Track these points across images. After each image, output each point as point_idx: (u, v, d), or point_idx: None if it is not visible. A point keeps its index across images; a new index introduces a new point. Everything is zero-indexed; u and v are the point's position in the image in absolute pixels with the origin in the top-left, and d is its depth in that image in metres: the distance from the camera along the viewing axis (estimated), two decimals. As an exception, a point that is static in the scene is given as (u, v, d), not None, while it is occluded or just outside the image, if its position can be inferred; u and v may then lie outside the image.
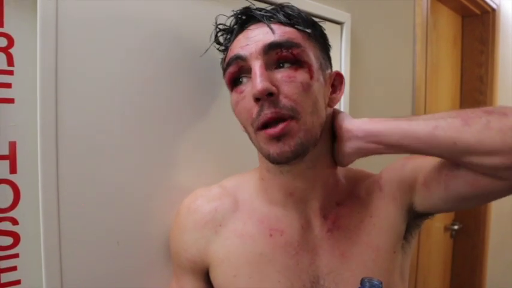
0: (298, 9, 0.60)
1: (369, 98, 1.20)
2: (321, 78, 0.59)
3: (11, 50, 0.54)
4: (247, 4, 0.60)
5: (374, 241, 0.62)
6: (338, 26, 1.04)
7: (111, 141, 0.62)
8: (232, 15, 0.61)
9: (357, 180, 0.67)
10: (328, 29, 1.01)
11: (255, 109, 0.54)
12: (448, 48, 1.96)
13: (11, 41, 0.53)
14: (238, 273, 0.60)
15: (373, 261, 0.61)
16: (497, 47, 2.04)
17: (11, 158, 0.54)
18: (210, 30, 0.65)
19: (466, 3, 1.89)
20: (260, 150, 0.57)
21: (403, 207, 0.63)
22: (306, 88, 0.55)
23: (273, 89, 0.52)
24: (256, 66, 0.53)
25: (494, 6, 2.01)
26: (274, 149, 0.54)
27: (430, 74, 1.61)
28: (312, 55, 0.57)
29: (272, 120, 0.53)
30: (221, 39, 0.63)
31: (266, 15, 0.57)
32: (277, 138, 0.53)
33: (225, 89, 0.62)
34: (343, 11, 1.05)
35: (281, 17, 0.57)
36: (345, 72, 1.06)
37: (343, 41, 1.05)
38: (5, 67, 0.53)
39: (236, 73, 0.57)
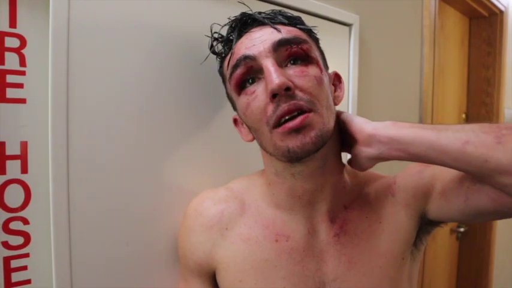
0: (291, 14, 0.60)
1: (377, 99, 1.20)
2: (327, 75, 0.60)
3: (23, 51, 0.54)
4: (258, 6, 0.60)
5: (382, 247, 0.61)
6: (346, 28, 1.04)
7: (121, 142, 0.62)
8: (228, 23, 0.61)
9: (365, 182, 0.65)
10: (337, 30, 1.03)
11: (270, 106, 0.53)
12: (455, 50, 1.96)
13: (23, 42, 0.54)
14: (243, 278, 0.60)
15: (380, 268, 0.60)
16: (505, 48, 2.03)
17: (23, 158, 0.54)
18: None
19: (473, 5, 1.88)
20: (276, 150, 0.55)
21: (415, 214, 0.61)
22: (320, 81, 0.55)
23: (290, 83, 0.51)
24: (269, 63, 0.53)
25: (502, 8, 2.00)
26: (294, 142, 0.52)
27: (438, 75, 1.60)
28: (316, 52, 0.58)
29: (290, 112, 0.52)
30: (219, 47, 0.62)
31: (267, 17, 0.57)
32: (297, 130, 0.52)
33: None
34: (351, 13, 1.05)
35: (282, 19, 0.58)
36: (353, 73, 1.05)
37: (352, 42, 1.05)
38: (18, 67, 0.54)
39: (244, 74, 0.56)
